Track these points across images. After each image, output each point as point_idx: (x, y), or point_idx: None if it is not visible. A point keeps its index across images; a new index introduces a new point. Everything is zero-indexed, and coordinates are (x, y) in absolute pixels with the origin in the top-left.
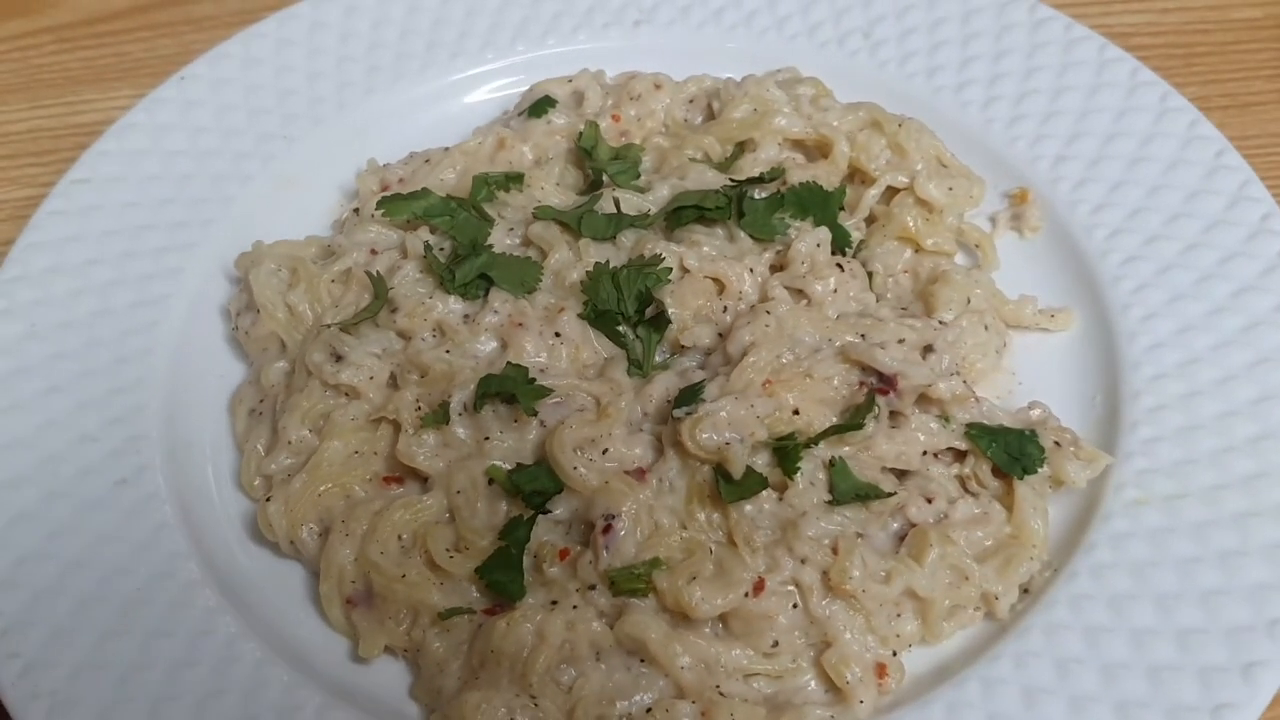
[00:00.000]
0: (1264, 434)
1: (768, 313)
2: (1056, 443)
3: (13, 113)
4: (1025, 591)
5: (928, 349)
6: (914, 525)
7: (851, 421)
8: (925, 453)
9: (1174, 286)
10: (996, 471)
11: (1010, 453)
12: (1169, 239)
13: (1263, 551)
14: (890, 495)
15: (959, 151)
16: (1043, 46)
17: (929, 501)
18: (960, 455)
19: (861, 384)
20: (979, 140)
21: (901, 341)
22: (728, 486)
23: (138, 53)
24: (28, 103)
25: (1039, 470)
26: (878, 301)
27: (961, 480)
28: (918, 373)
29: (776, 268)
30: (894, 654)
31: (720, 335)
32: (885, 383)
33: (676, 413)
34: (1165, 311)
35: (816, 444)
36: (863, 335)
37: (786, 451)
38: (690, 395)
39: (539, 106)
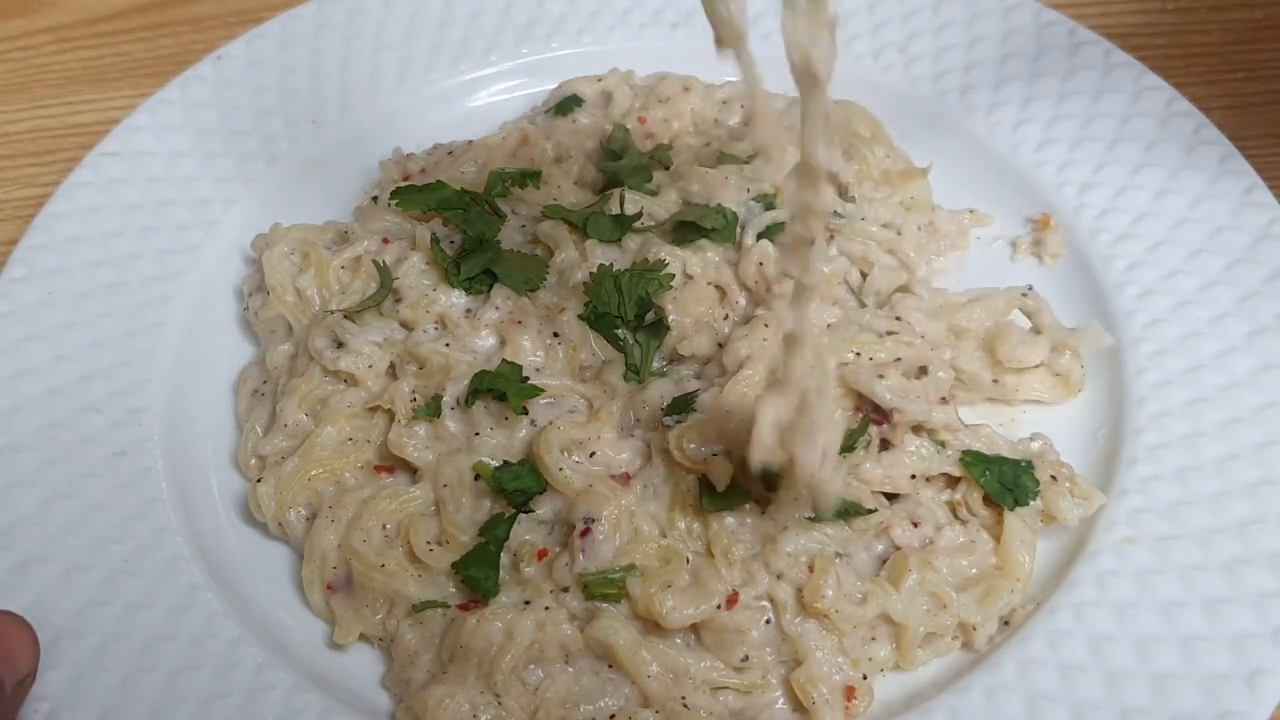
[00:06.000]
0: (1264, 479)
1: (765, 325)
2: (1053, 477)
3: (13, 113)
4: (1006, 624)
5: (922, 370)
6: (898, 549)
7: (843, 445)
8: (915, 476)
9: (1188, 324)
10: (988, 500)
11: (1004, 483)
12: (1188, 274)
13: (1250, 600)
14: (871, 511)
15: (986, 172)
16: (1079, 70)
17: (915, 526)
18: (954, 481)
19: (857, 408)
20: (1007, 162)
21: (898, 360)
22: (710, 497)
23: (138, 53)
24: (28, 103)
25: (1031, 503)
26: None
27: (952, 507)
28: (915, 408)
29: None
30: (864, 677)
31: (719, 345)
32: (880, 413)
33: (666, 421)
34: (1176, 349)
35: None
36: (857, 353)
37: None
38: (682, 404)
39: (565, 104)
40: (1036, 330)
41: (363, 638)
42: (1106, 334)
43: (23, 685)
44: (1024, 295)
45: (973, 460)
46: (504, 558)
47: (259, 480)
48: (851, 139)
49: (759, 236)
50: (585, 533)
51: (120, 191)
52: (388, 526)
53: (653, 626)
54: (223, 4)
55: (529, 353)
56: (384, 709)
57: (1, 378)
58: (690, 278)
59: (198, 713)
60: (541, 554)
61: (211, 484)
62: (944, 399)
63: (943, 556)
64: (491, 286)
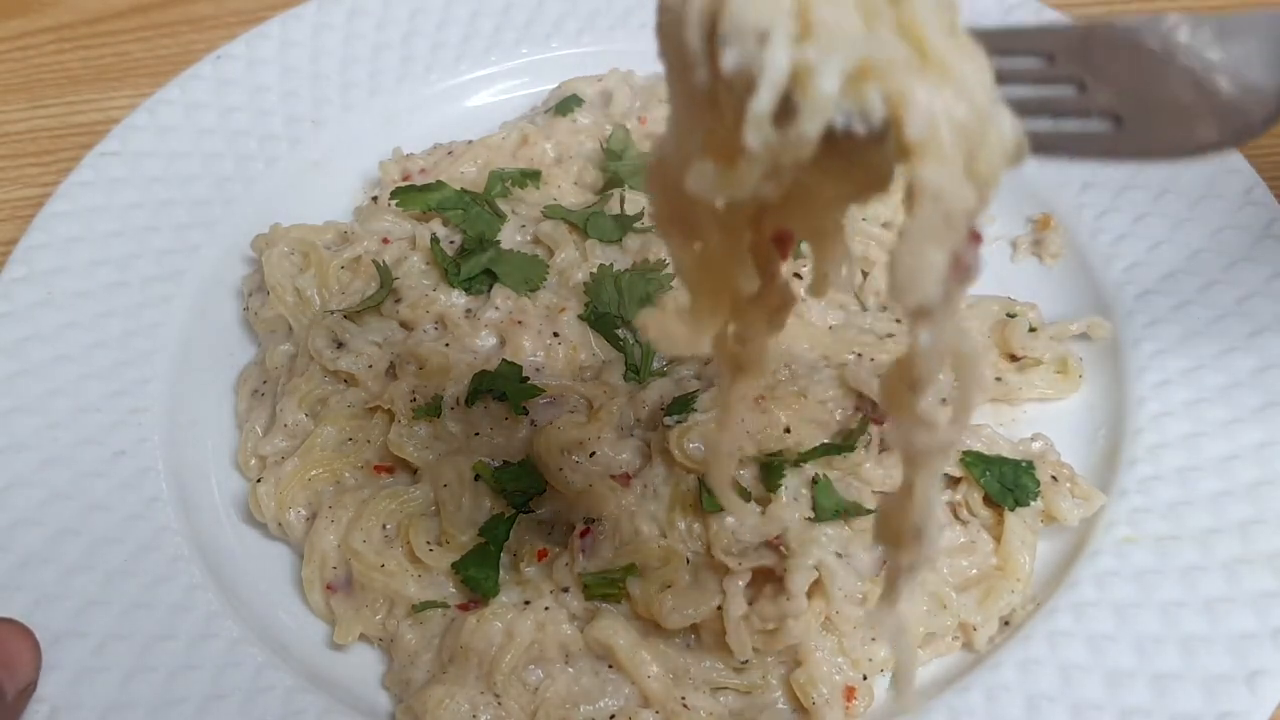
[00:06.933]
0: (1264, 480)
1: None
2: (1053, 477)
3: (13, 113)
4: (1006, 624)
5: None
6: None
7: (843, 444)
8: None
9: (1188, 324)
10: (988, 500)
11: (1004, 483)
12: (1188, 274)
13: (1250, 600)
14: (872, 511)
15: None
16: None
17: None
18: (954, 481)
19: (857, 408)
20: None
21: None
22: (710, 497)
23: (138, 53)
24: (28, 103)
25: (1031, 503)
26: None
27: (953, 507)
28: None
29: None
30: (864, 677)
31: None
32: (880, 413)
33: (667, 420)
34: (1176, 349)
35: (805, 462)
36: (858, 353)
37: (770, 467)
38: (682, 404)
39: (565, 104)
40: (1031, 328)
41: (363, 638)
42: (1103, 322)
43: (24, 693)
44: (1009, 299)
45: (973, 460)
46: (504, 558)
47: (259, 480)
48: None
49: None
50: (585, 533)
51: (120, 191)
52: (388, 526)
53: (653, 626)
54: (222, 4)
55: (529, 353)
56: (384, 709)
57: (1, 378)
58: None
59: (198, 713)
60: (541, 554)
61: (211, 484)
62: (944, 399)
63: (943, 557)
64: (491, 286)
